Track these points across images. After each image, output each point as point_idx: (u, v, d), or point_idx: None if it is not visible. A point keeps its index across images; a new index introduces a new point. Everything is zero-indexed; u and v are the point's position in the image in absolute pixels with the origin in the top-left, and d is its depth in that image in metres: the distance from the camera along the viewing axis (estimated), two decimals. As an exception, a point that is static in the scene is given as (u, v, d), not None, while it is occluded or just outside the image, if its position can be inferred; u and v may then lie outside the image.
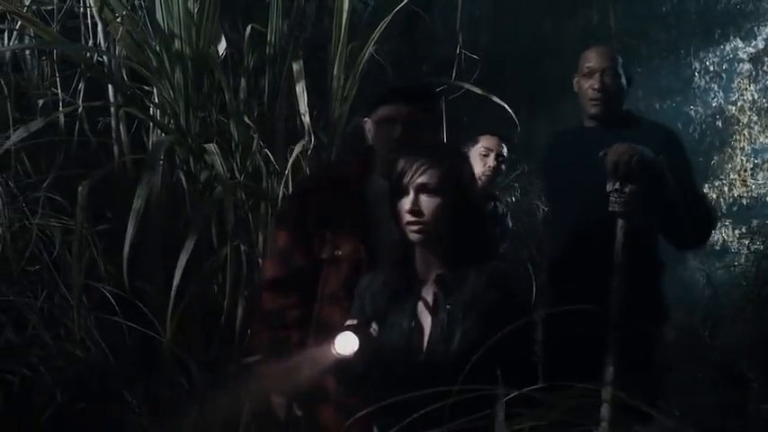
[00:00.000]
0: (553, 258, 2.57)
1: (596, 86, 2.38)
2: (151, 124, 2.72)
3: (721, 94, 5.78)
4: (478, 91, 2.70)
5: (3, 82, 2.40)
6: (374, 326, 1.61)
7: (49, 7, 2.70)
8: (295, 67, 2.71)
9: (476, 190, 1.73)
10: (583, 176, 2.27)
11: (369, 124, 2.00)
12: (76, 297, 2.14)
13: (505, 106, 2.79)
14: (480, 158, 3.01)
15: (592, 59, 2.41)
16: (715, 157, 5.89)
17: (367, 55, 2.85)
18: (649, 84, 5.51)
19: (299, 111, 2.72)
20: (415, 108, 1.92)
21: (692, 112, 5.70)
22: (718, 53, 5.72)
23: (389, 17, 2.80)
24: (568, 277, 2.35)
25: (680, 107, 5.71)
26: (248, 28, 2.78)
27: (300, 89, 2.67)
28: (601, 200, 2.07)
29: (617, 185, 2.03)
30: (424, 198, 1.60)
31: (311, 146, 2.59)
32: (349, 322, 1.58)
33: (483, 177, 2.99)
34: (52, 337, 2.25)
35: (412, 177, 1.60)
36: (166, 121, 2.68)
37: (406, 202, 1.60)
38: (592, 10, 5.16)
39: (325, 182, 2.04)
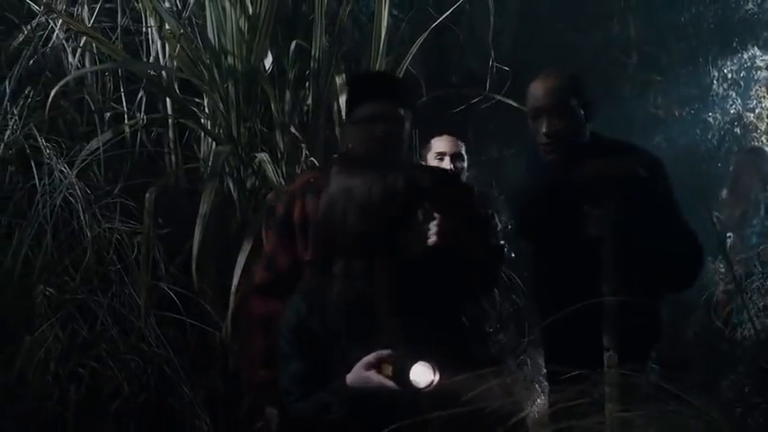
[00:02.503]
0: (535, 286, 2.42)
1: (544, 131, 2.05)
2: (202, 134, 2.90)
3: (739, 101, 5.86)
4: (513, 103, 2.84)
5: (88, 98, 2.58)
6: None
7: (107, 24, 2.90)
8: (338, 80, 2.88)
9: None
10: (550, 207, 2.12)
11: (348, 126, 1.98)
12: (144, 297, 2.31)
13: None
14: (436, 164, 2.79)
15: (536, 98, 2.07)
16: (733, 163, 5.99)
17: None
18: (669, 91, 5.62)
19: (339, 121, 2.90)
20: (395, 103, 1.90)
21: (711, 119, 5.79)
22: (736, 61, 5.81)
23: (426, 33, 2.97)
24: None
25: (699, 114, 5.80)
26: (293, 44, 2.95)
27: (343, 101, 2.83)
28: (569, 229, 2.03)
29: (586, 208, 1.98)
30: None
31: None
32: (386, 353, 1.53)
33: None
34: (118, 332, 2.42)
35: None
36: (217, 131, 2.86)
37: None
38: (612, 20, 5.30)
39: (308, 185, 2.00)
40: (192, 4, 2.86)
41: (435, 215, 1.68)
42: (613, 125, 2.64)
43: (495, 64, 3.25)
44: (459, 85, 4.18)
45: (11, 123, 2.28)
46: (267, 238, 2.03)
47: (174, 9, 2.88)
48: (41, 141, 2.26)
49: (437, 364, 1.47)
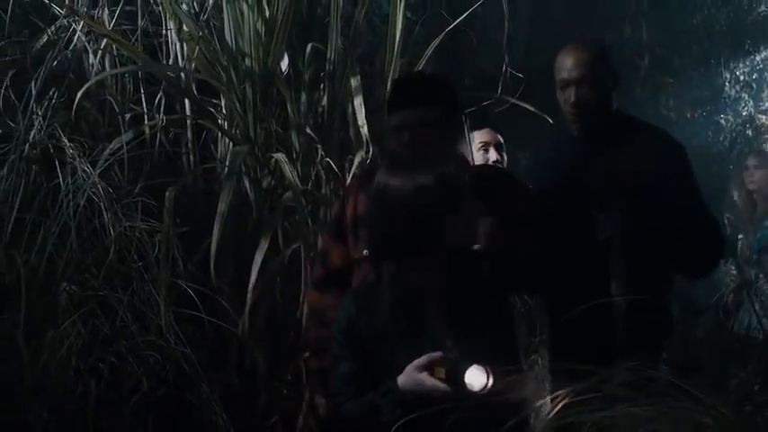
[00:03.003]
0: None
1: (572, 101, 2.08)
2: (219, 134, 2.95)
3: (752, 103, 5.87)
4: (529, 107, 2.88)
5: (111, 100, 2.65)
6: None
7: (127, 27, 2.96)
8: (353, 82, 2.92)
9: None
10: (568, 188, 2.17)
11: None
12: (164, 294, 2.36)
13: (549, 119, 2.95)
14: (481, 155, 2.79)
15: (564, 69, 2.09)
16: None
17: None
18: (681, 93, 5.64)
19: (353, 123, 2.94)
20: (424, 111, 1.88)
21: (723, 121, 5.81)
22: (748, 63, 5.83)
23: (440, 37, 3.01)
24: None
25: (711, 116, 5.82)
26: (308, 46, 2.99)
27: (358, 103, 2.87)
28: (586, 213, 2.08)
29: (593, 212, 2.04)
30: None
31: (369, 156, 2.80)
32: (437, 355, 1.52)
33: None
34: (138, 329, 2.47)
35: None
36: (234, 131, 2.91)
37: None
38: (624, 23, 5.32)
39: (360, 184, 2.04)
40: (210, 8, 2.90)
41: (484, 216, 1.70)
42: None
43: (508, 68, 3.28)
44: (473, 88, 4.20)
45: (36, 123, 2.34)
46: (322, 235, 2.16)
47: (193, 12, 2.94)
48: (65, 141, 2.32)
49: (489, 367, 1.48)
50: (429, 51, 3.00)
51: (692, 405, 1.31)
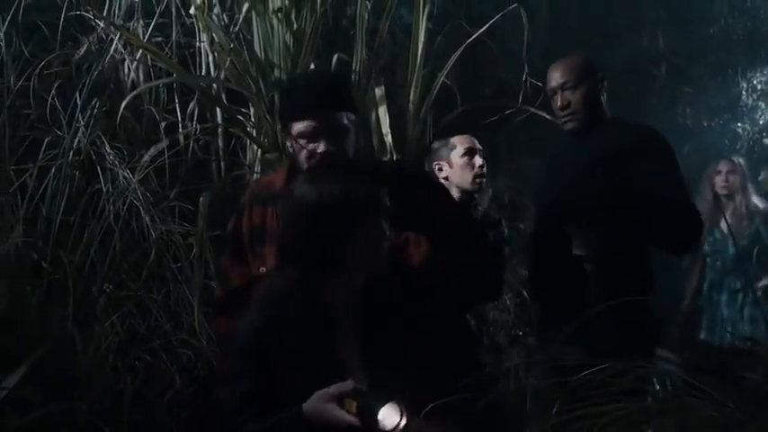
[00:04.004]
0: (534, 268, 2.57)
1: (558, 105, 2.33)
2: (248, 142, 3.07)
3: (769, 111, 5.93)
4: (545, 115, 2.97)
5: (153, 110, 2.77)
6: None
7: (160, 39, 3.08)
8: (377, 92, 3.03)
9: None
10: (561, 186, 2.35)
11: (287, 136, 1.83)
12: (197, 296, 2.47)
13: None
14: (465, 161, 2.74)
15: (551, 79, 2.36)
16: (762, 173, 6.02)
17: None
18: (698, 102, 5.69)
19: (378, 131, 3.04)
20: (337, 113, 1.76)
21: (740, 130, 5.86)
22: (765, 72, 5.88)
23: (461, 49, 3.10)
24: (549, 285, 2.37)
25: (728, 125, 5.86)
26: (334, 57, 3.10)
27: (382, 112, 2.98)
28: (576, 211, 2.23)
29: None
30: None
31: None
32: (349, 387, 1.43)
33: (479, 180, 2.73)
34: (171, 328, 2.58)
35: None
36: (263, 139, 3.02)
37: None
38: (641, 32, 5.39)
39: (255, 196, 1.93)
40: (240, 20, 3.02)
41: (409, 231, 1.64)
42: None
43: (528, 77, 3.36)
44: (492, 97, 4.29)
45: (79, 132, 2.46)
46: (222, 255, 2.00)
47: (224, 24, 3.06)
48: (106, 149, 2.44)
49: (403, 405, 1.39)
50: (450, 63, 3.09)
51: (700, 402, 1.38)
